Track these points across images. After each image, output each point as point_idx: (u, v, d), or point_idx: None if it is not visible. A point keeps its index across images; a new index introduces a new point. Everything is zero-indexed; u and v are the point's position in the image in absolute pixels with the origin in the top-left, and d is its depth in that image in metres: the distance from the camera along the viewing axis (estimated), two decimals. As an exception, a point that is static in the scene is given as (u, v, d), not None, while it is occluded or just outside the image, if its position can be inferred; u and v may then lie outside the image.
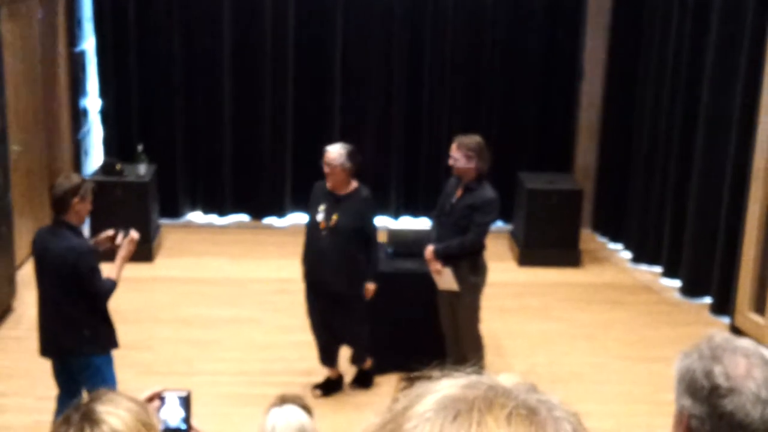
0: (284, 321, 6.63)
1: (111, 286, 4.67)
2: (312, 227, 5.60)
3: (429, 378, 1.09)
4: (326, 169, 5.47)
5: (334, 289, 5.56)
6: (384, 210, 9.20)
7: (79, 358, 4.66)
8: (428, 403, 1.01)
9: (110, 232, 4.83)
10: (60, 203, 4.54)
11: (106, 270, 4.70)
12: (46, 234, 4.63)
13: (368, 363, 5.92)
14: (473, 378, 1.05)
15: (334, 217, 5.46)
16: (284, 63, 8.89)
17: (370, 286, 5.61)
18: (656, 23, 8.03)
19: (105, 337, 4.72)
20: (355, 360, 5.88)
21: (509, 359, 6.46)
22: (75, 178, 4.63)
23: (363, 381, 5.96)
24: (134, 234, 4.82)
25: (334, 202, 5.50)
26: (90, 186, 4.67)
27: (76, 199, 4.53)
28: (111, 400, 1.91)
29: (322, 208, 5.51)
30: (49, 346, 4.71)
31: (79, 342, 4.62)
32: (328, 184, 5.52)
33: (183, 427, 2.42)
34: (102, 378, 4.62)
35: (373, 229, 5.63)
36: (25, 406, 5.36)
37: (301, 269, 5.76)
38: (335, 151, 5.47)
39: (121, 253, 4.76)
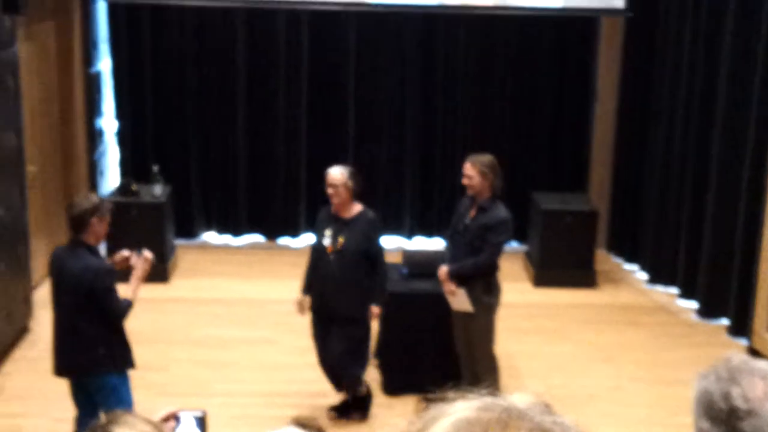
0: (299, 342, 6.61)
1: (127, 305, 4.68)
2: (318, 252, 5.60)
3: (445, 399, 1.08)
4: (330, 191, 5.49)
5: (340, 312, 5.53)
6: (398, 230, 9.22)
7: (96, 377, 4.66)
8: (443, 426, 1.01)
9: (125, 253, 4.85)
10: (78, 223, 4.54)
11: (122, 290, 4.71)
12: (63, 254, 4.64)
13: (363, 390, 5.81)
14: (488, 400, 1.05)
15: (341, 240, 5.47)
16: (298, 83, 8.93)
17: (376, 310, 5.58)
18: (669, 43, 8.03)
19: (121, 356, 4.72)
20: (349, 387, 5.73)
21: (525, 381, 6.43)
22: (93, 198, 4.65)
23: (360, 407, 5.84)
24: (148, 254, 4.84)
25: (340, 225, 5.51)
26: (108, 206, 4.68)
27: (94, 219, 4.54)
28: (127, 421, 1.91)
29: (328, 232, 5.52)
30: (64, 366, 4.72)
31: (94, 361, 4.62)
32: (334, 206, 5.53)
33: None
34: (118, 399, 4.61)
35: (380, 251, 5.61)
36: (42, 427, 5.36)
37: (299, 294, 5.71)
38: (337, 172, 5.50)
39: (137, 273, 4.78)
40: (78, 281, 4.52)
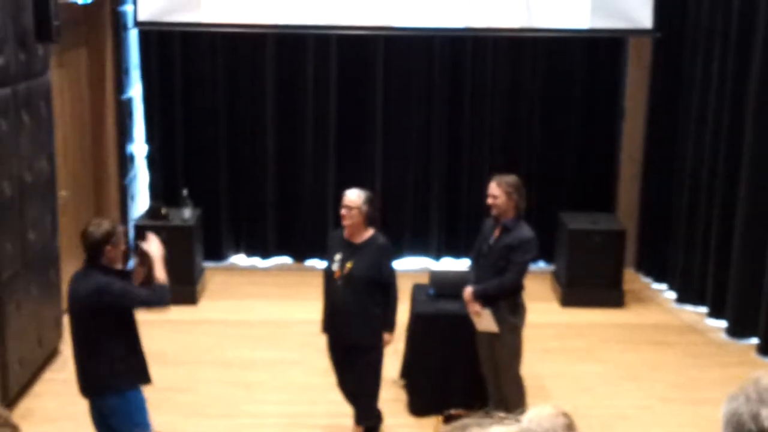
0: (326, 362, 6.63)
1: (161, 289, 4.64)
2: (328, 277, 5.56)
3: (470, 420, 1.09)
4: (344, 212, 5.45)
5: (350, 340, 5.49)
6: (425, 251, 9.24)
7: (110, 399, 4.67)
8: None
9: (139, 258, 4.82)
10: (93, 251, 4.58)
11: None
12: (79, 276, 4.67)
13: (374, 422, 5.74)
14: (525, 427, 1.07)
15: (348, 265, 5.39)
16: (326, 106, 9.01)
17: (388, 337, 5.51)
18: (698, 61, 8.02)
19: (137, 370, 4.73)
20: (360, 419, 5.67)
21: (553, 401, 6.38)
22: (105, 225, 4.64)
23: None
24: (149, 234, 4.82)
25: (351, 250, 5.43)
26: (122, 230, 4.71)
27: (108, 247, 4.57)
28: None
29: (337, 257, 5.46)
30: (81, 387, 4.76)
31: (111, 376, 4.63)
32: (346, 230, 5.48)
33: None
34: (133, 422, 4.64)
35: (392, 277, 5.50)
36: (72, 449, 5.43)
37: (322, 320, 5.71)
38: (354, 194, 5.46)
39: (155, 257, 4.71)
40: (90, 300, 4.54)
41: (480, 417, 1.11)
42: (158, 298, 4.64)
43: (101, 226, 4.64)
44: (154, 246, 4.77)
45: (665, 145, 8.57)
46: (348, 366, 5.60)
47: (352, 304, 5.39)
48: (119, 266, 4.71)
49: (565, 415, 2.51)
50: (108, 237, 4.57)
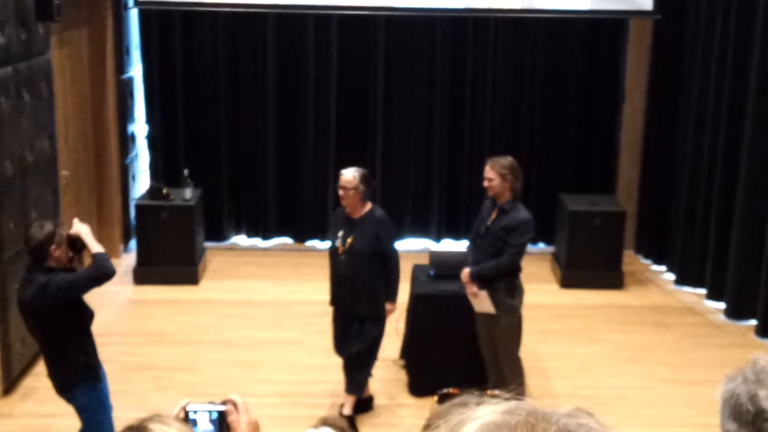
0: (328, 342, 6.66)
1: (99, 259, 4.55)
2: (332, 252, 5.77)
3: (463, 398, 1.09)
4: (341, 192, 5.61)
5: (354, 311, 5.69)
6: (425, 233, 9.26)
7: (78, 394, 4.71)
8: (470, 431, 1.02)
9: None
10: (38, 253, 4.55)
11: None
12: (23, 282, 4.64)
13: (366, 393, 5.93)
14: (512, 403, 1.06)
15: (349, 240, 5.59)
16: (327, 86, 9.00)
17: (390, 307, 5.71)
18: (698, 44, 8.01)
19: (93, 357, 4.74)
20: (351, 389, 5.81)
21: (552, 382, 6.44)
22: (47, 226, 4.61)
23: (364, 407, 5.94)
24: (73, 220, 4.78)
25: (350, 225, 5.63)
26: (64, 230, 4.64)
27: (53, 247, 4.54)
28: (162, 420, 1.97)
29: (340, 233, 5.66)
30: (54, 384, 4.78)
31: (74, 373, 4.66)
32: (346, 209, 5.64)
33: None
34: (98, 421, 4.72)
35: (392, 249, 5.70)
36: (74, 427, 5.43)
37: (329, 295, 5.93)
38: (350, 174, 5.59)
39: (83, 234, 4.64)
40: (33, 306, 4.53)
41: (474, 395, 1.11)
42: (100, 269, 4.54)
43: (44, 227, 4.60)
44: (77, 226, 4.70)
45: (665, 127, 8.57)
46: (349, 337, 5.75)
47: (355, 276, 5.59)
48: (66, 265, 4.63)
49: (589, 415, 2.54)
50: (51, 237, 4.54)
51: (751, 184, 7.26)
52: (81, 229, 4.67)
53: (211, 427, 2.18)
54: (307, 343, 6.90)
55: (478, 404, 1.07)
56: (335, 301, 5.85)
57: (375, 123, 9.07)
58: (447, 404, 1.14)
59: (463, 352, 6.00)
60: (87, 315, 4.75)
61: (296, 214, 9.26)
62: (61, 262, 4.60)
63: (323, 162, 9.13)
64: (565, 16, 8.58)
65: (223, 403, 2.19)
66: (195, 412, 2.17)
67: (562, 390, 6.25)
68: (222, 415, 2.18)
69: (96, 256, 4.58)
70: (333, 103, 9.04)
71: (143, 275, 8.09)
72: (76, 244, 4.68)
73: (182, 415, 2.17)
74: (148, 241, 8.14)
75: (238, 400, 2.20)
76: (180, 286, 8.03)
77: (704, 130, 7.93)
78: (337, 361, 5.93)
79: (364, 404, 5.93)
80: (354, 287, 5.63)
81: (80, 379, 4.69)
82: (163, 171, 9.06)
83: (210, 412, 2.18)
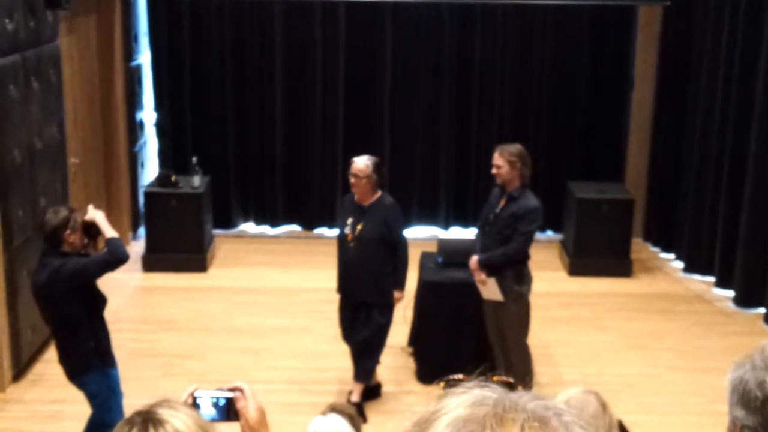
0: (335, 330, 6.68)
1: (113, 244, 4.58)
2: (341, 240, 5.75)
3: (464, 385, 1.08)
4: (352, 180, 5.60)
5: (363, 299, 5.69)
6: (434, 220, 9.25)
7: (88, 381, 4.74)
8: (439, 429, 1.01)
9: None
10: (52, 238, 4.57)
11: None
12: (38, 267, 4.66)
13: (374, 380, 5.96)
14: (477, 394, 1.04)
15: (359, 227, 5.58)
16: (334, 74, 8.99)
17: (398, 294, 5.71)
18: (707, 31, 7.97)
19: (105, 343, 4.76)
20: (360, 376, 5.82)
21: (560, 369, 6.45)
22: (62, 212, 4.63)
23: (372, 394, 5.96)
24: (88, 207, 4.80)
25: (360, 213, 5.62)
26: (78, 216, 4.66)
27: (67, 232, 4.56)
28: (171, 405, 1.98)
29: (349, 221, 5.64)
30: (65, 370, 4.80)
31: (86, 359, 4.69)
32: (356, 196, 5.63)
33: None
34: (108, 408, 4.73)
35: (401, 237, 5.70)
36: (83, 413, 5.47)
37: (337, 282, 5.91)
38: (362, 163, 5.58)
39: (98, 220, 4.67)
40: (46, 290, 4.55)
41: (480, 381, 1.10)
42: (115, 253, 4.57)
43: (59, 212, 4.62)
44: (92, 212, 4.73)
45: (674, 115, 8.53)
46: (357, 324, 5.74)
47: (364, 263, 5.58)
48: (80, 251, 4.65)
49: (593, 392, 2.55)
50: (66, 222, 4.56)
51: (760, 171, 7.23)
52: (96, 215, 4.70)
53: (218, 413, 2.19)
54: (315, 331, 6.91)
55: (443, 397, 1.06)
56: (343, 288, 5.85)
57: (382, 111, 9.06)
58: (446, 391, 1.13)
59: (471, 339, 6.00)
60: (100, 300, 4.77)
61: (304, 201, 9.26)
62: (76, 248, 4.63)
63: (331, 150, 9.13)
64: (573, 3, 8.55)
65: (231, 390, 2.21)
66: (203, 398, 2.19)
67: (569, 377, 6.26)
68: (230, 401, 2.20)
69: (110, 241, 4.61)
70: (341, 91, 9.03)
71: (152, 262, 8.11)
72: (91, 230, 4.72)
73: (190, 401, 2.19)
74: (156, 228, 8.16)
75: (245, 386, 2.21)
76: (188, 273, 8.06)
77: (713, 117, 7.90)
78: (345, 349, 5.95)
79: (372, 391, 5.94)
80: (363, 274, 5.62)
81: (91, 364, 4.71)
82: (171, 158, 9.08)
83: (218, 398, 2.20)
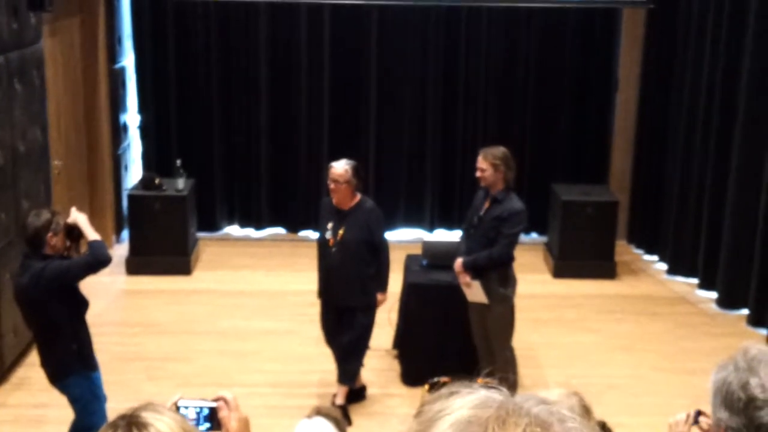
0: (320, 333, 6.67)
1: (96, 246, 4.55)
2: (322, 244, 5.73)
3: (452, 388, 1.07)
4: (331, 185, 5.57)
5: (347, 303, 5.67)
6: (419, 223, 9.26)
7: (70, 384, 4.71)
8: (442, 429, 1.01)
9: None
10: (35, 241, 4.54)
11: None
12: (16, 277, 4.63)
13: (359, 382, 5.96)
14: (482, 396, 1.05)
15: (341, 232, 5.57)
16: (320, 77, 8.98)
17: (381, 297, 5.71)
18: (691, 34, 8.01)
19: (87, 346, 4.74)
20: (344, 379, 5.81)
21: (545, 371, 6.46)
22: (45, 214, 4.60)
23: (357, 397, 5.97)
24: (71, 209, 4.78)
25: (340, 217, 5.60)
26: (61, 219, 4.63)
27: (50, 235, 4.54)
28: (155, 409, 1.97)
29: (330, 225, 5.62)
30: (47, 373, 4.78)
31: (67, 362, 4.66)
32: (334, 200, 5.61)
33: None
34: (90, 411, 4.70)
35: (382, 240, 5.70)
36: (66, 418, 5.45)
37: (318, 287, 5.90)
38: (341, 168, 5.55)
39: (80, 223, 4.64)
40: (28, 293, 4.53)
41: (465, 384, 1.10)
42: (97, 255, 4.55)
43: (41, 215, 4.59)
44: (74, 215, 4.70)
45: (658, 117, 8.57)
46: (340, 327, 5.74)
47: (347, 267, 5.57)
48: (62, 253, 4.63)
49: (576, 394, 2.55)
50: (48, 225, 4.54)
51: (743, 174, 7.27)
52: (78, 217, 4.67)
53: (201, 422, 2.20)
54: (300, 333, 6.90)
55: (449, 397, 1.06)
56: (324, 293, 5.82)
57: (368, 113, 9.06)
58: (436, 393, 1.14)
59: (456, 341, 6.00)
60: (82, 304, 4.74)
61: (289, 204, 9.25)
62: (58, 250, 4.60)
63: (316, 152, 9.11)
64: (557, 6, 8.58)
65: (215, 400, 2.21)
66: (186, 407, 2.19)
67: (554, 379, 6.27)
68: (213, 411, 2.20)
69: (92, 243, 4.58)
70: (326, 94, 9.02)
71: (136, 265, 8.08)
72: (74, 232, 4.69)
73: (173, 410, 2.19)
74: (140, 231, 8.13)
75: (229, 396, 2.21)
76: (172, 276, 8.03)
77: (697, 119, 7.94)
78: (329, 351, 5.94)
79: (356, 394, 5.94)
80: (345, 278, 5.61)
81: (73, 367, 4.68)
82: (155, 161, 9.04)
83: (201, 408, 2.20)
